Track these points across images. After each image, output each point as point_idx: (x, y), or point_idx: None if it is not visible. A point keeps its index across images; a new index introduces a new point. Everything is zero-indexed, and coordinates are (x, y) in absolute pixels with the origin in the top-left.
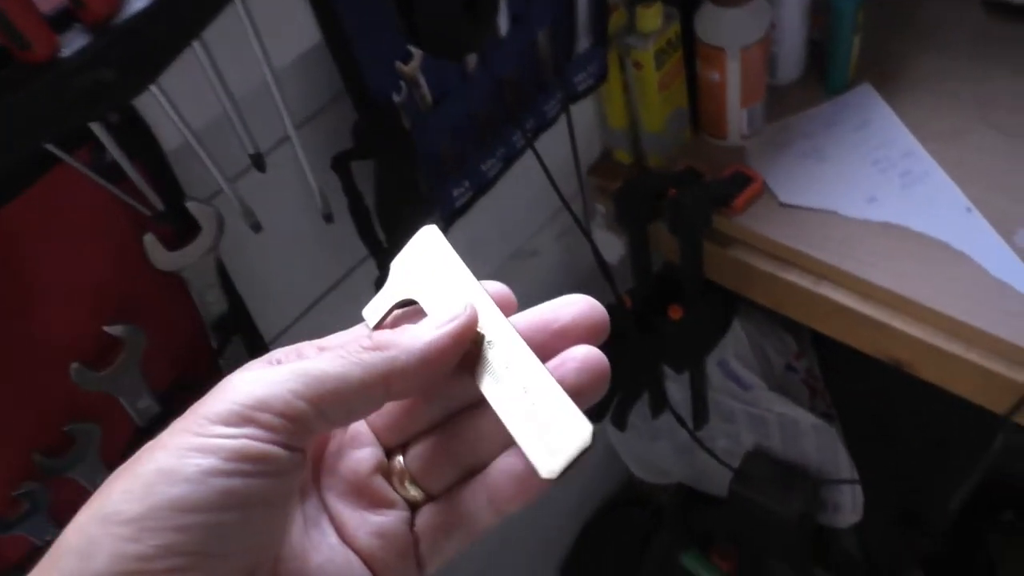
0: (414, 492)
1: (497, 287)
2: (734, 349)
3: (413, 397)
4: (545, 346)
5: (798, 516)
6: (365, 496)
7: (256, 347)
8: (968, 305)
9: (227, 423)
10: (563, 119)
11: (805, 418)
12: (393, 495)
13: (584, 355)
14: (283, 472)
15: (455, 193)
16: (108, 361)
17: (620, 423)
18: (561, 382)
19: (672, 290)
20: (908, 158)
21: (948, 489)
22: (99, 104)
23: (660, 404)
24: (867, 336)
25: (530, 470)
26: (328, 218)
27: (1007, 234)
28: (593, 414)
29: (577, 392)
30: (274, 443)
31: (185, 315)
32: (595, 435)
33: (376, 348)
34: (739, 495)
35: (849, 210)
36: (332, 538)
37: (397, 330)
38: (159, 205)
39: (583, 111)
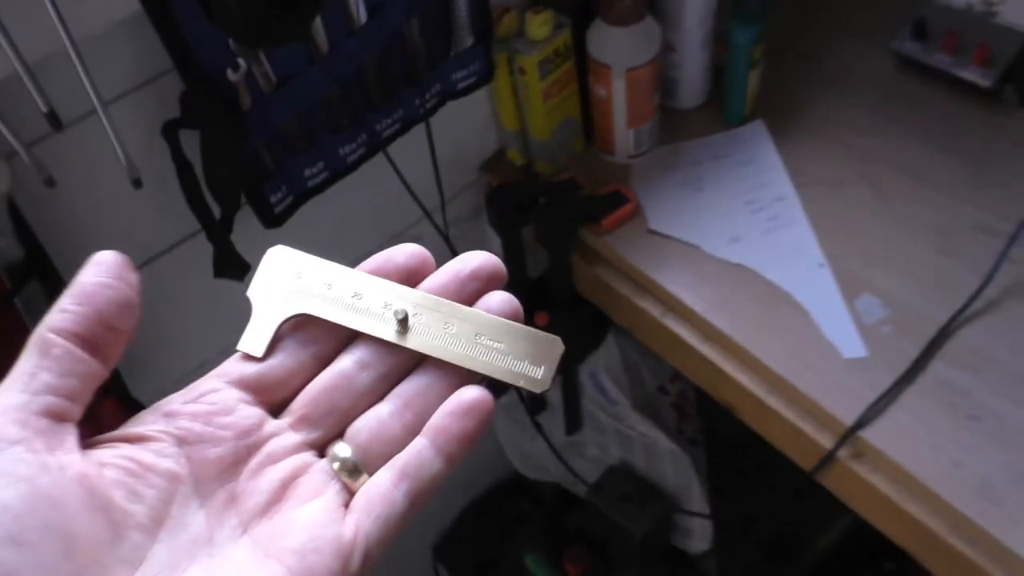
0: (357, 479)
1: (409, 248)
2: (605, 363)
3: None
4: (460, 293)
5: (644, 534)
6: (291, 499)
7: (58, 293)
8: (793, 362)
9: None
10: (441, 112)
11: (664, 442)
12: (327, 486)
13: (501, 297)
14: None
15: (307, 172)
16: None
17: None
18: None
19: (547, 297)
20: (779, 203)
21: (817, 527)
22: None
23: (538, 405)
24: (704, 375)
25: (479, 396)
26: (136, 183)
27: (850, 297)
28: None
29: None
30: None
31: None
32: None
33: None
34: (593, 505)
35: (711, 247)
36: (245, 562)
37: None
38: None
39: (479, 106)
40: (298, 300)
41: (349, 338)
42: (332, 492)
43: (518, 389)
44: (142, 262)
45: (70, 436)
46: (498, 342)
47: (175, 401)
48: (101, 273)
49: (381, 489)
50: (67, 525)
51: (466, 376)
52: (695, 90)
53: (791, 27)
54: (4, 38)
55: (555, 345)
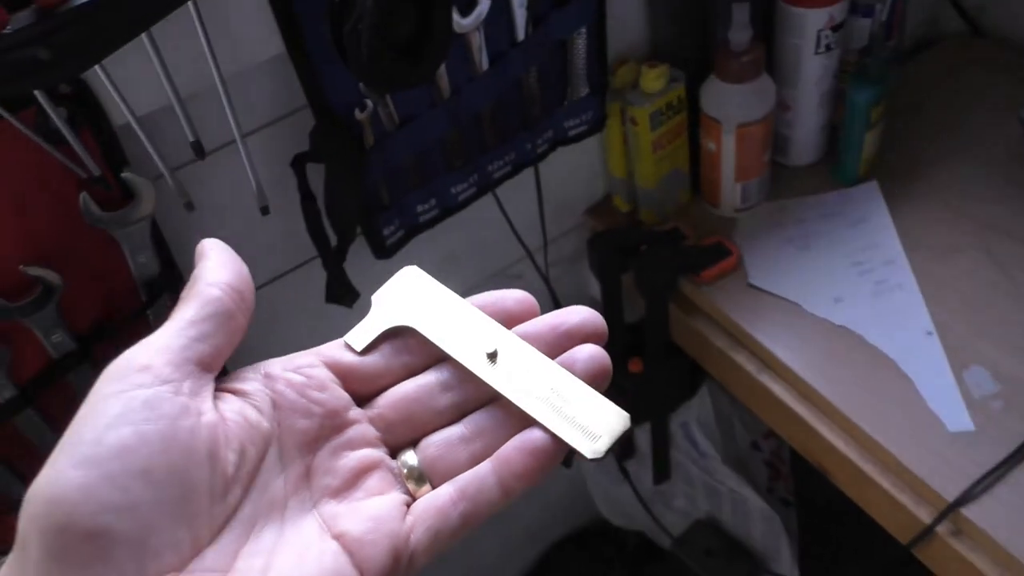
0: (420, 487)
1: (518, 294)
2: (698, 414)
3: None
4: (554, 346)
5: None
6: (361, 489)
7: None
8: (893, 430)
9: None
10: (552, 155)
11: (754, 499)
12: (393, 487)
13: (590, 352)
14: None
15: (419, 208)
16: (25, 296)
17: (566, 460)
18: (571, 370)
19: (642, 344)
20: (888, 266)
21: None
22: (33, 77)
23: (626, 451)
24: (797, 435)
25: (547, 441)
26: (264, 210)
27: (959, 368)
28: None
29: (584, 380)
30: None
31: (114, 269)
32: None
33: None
34: (676, 558)
35: (813, 306)
36: (310, 534)
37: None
38: (96, 171)
39: (590, 152)
40: (411, 315)
41: (439, 359)
42: (397, 493)
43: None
44: (263, 283)
45: (209, 386)
46: (569, 402)
47: (275, 365)
48: (229, 251)
49: (439, 503)
50: (190, 471)
51: (534, 423)
52: (808, 148)
53: (913, 89)
54: (163, 73)
55: (621, 420)
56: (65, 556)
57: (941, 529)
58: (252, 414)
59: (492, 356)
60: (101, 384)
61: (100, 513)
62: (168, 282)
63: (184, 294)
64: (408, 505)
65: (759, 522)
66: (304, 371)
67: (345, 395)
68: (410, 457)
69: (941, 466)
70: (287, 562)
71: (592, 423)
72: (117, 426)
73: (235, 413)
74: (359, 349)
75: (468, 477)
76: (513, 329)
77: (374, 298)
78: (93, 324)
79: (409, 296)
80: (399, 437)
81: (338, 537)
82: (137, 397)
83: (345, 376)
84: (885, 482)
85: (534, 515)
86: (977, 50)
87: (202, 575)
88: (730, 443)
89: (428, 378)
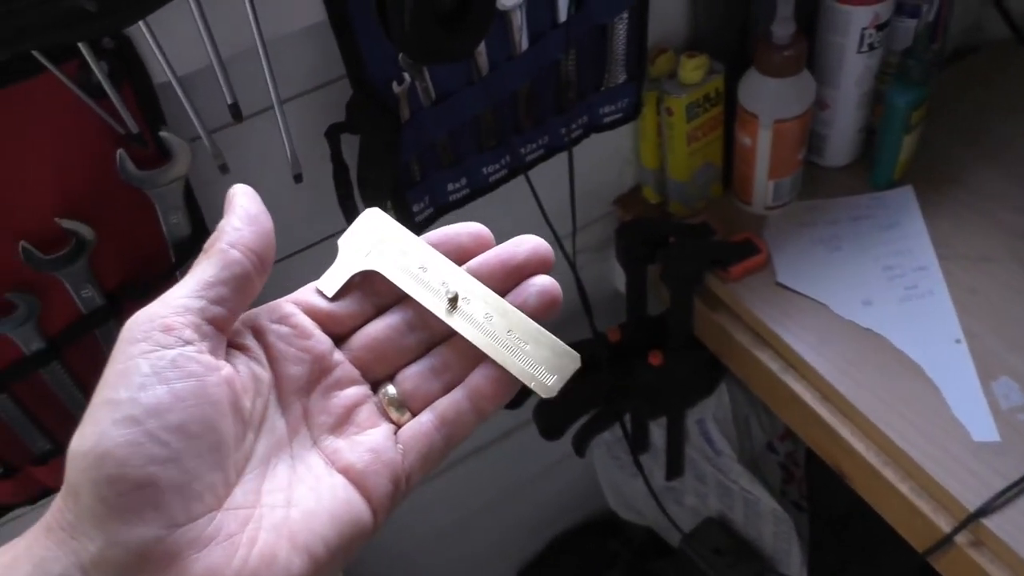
0: (403, 415)
1: (472, 228)
2: (715, 411)
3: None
4: (507, 279)
5: None
6: (354, 424)
7: None
8: (916, 436)
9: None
10: (584, 142)
11: (767, 500)
12: (380, 418)
13: (540, 285)
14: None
15: (449, 187)
16: (57, 250)
17: (579, 448)
18: (524, 304)
19: (663, 336)
20: (920, 272)
21: None
22: (79, 29)
23: (641, 444)
24: (816, 436)
25: (502, 374)
26: (297, 178)
27: (987, 378)
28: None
29: (537, 313)
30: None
31: (146, 228)
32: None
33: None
34: (684, 554)
35: (840, 307)
36: (319, 469)
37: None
38: (134, 128)
39: (621, 141)
40: (375, 259)
41: (404, 298)
42: (385, 424)
43: (529, 391)
44: (289, 253)
45: (223, 344)
46: (525, 343)
47: (261, 318)
48: (258, 202)
49: (424, 429)
50: (219, 422)
51: (490, 360)
52: (844, 149)
53: (953, 94)
54: (205, 33)
55: (574, 360)
56: (119, 504)
57: (960, 539)
58: (255, 366)
59: (453, 300)
60: (126, 344)
61: (146, 465)
62: (199, 244)
63: (207, 246)
64: (395, 433)
65: (770, 523)
66: (289, 321)
67: (327, 339)
68: (390, 389)
69: (964, 475)
70: (305, 497)
71: (547, 364)
72: (151, 386)
73: (243, 366)
74: (330, 295)
75: (445, 403)
76: (466, 264)
77: (340, 242)
78: (122, 282)
79: (373, 239)
80: (376, 373)
81: (344, 471)
82: (165, 356)
83: (323, 321)
84: (904, 488)
85: (541, 505)
86: (1021, 57)
87: (236, 511)
88: (746, 443)
89: (395, 318)
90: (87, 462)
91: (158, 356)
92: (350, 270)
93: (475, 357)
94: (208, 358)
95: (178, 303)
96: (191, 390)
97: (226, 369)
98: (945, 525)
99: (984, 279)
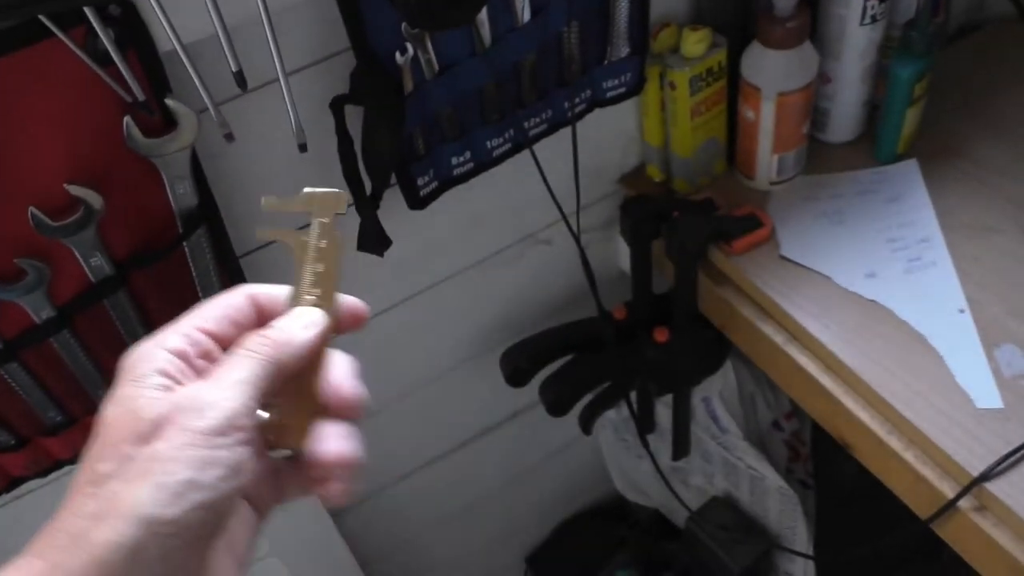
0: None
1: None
2: (720, 389)
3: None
4: None
5: (743, 569)
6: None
7: (221, 243)
8: (920, 405)
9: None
10: (588, 119)
11: (773, 478)
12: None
13: None
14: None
15: (453, 161)
16: (66, 217)
17: (586, 425)
18: None
19: (669, 313)
20: (923, 244)
21: None
22: None
23: (646, 424)
24: (820, 408)
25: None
26: (302, 147)
27: (989, 345)
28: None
29: None
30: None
31: (153, 198)
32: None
33: (274, 347)
34: (691, 534)
35: (844, 279)
36: None
37: (276, 331)
38: (140, 96)
39: (625, 119)
40: (309, 217)
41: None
42: None
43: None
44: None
45: None
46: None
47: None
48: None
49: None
50: None
51: None
52: (846, 124)
53: (956, 66)
54: (210, 1)
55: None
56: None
57: (964, 504)
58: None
59: None
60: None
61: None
62: (205, 214)
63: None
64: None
65: (776, 501)
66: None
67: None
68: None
69: (968, 441)
70: None
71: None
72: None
73: None
74: (265, 208)
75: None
76: None
77: (305, 190)
78: (130, 252)
79: (319, 210)
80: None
81: None
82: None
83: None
84: (909, 456)
85: (548, 490)
86: (1023, 34)
87: None
88: (751, 421)
89: None
90: (129, 528)
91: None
92: (291, 206)
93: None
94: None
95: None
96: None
97: None
98: (949, 491)
99: (987, 248)
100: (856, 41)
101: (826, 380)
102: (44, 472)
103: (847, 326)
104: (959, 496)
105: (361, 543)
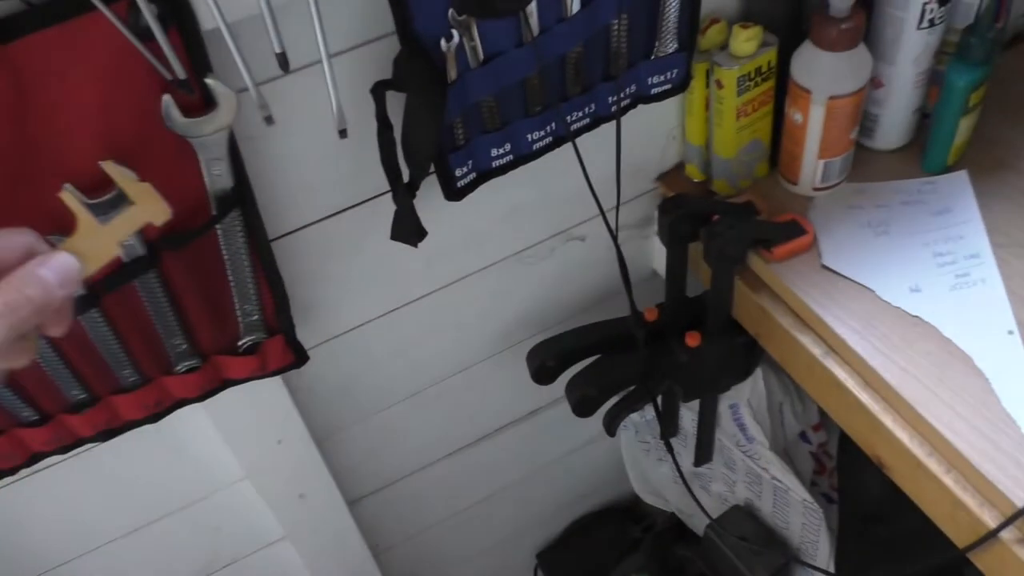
0: None
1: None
2: (749, 397)
3: None
4: None
5: None
6: None
7: (253, 226)
8: (963, 428)
9: None
10: (629, 114)
11: (798, 490)
12: None
13: None
14: None
15: (493, 152)
16: (101, 195)
17: (610, 427)
18: None
19: (701, 318)
20: (972, 260)
21: None
22: None
23: (670, 427)
24: (857, 424)
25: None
26: (342, 133)
27: None
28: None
29: None
30: None
31: (188, 178)
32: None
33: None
34: (711, 541)
35: (887, 293)
36: None
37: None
38: (181, 74)
39: (667, 117)
40: None
41: None
42: None
43: None
44: (329, 214)
45: None
46: None
47: None
48: None
49: None
50: None
51: None
52: (895, 131)
53: (1011, 79)
54: None
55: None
56: None
57: (1007, 535)
58: None
59: None
60: None
61: None
62: (239, 197)
63: None
64: None
65: (799, 514)
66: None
67: None
68: None
69: (1012, 469)
70: None
71: None
72: None
73: None
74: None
75: None
76: None
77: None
78: (162, 232)
79: None
80: None
81: None
82: None
83: None
84: (949, 480)
85: (562, 488)
86: None
87: None
88: (778, 431)
89: None
90: None
91: None
92: None
93: None
94: None
95: None
96: None
97: None
98: (991, 520)
99: None
100: (912, 45)
101: (864, 396)
102: (65, 449)
103: (889, 341)
104: (1002, 526)
105: (374, 532)
